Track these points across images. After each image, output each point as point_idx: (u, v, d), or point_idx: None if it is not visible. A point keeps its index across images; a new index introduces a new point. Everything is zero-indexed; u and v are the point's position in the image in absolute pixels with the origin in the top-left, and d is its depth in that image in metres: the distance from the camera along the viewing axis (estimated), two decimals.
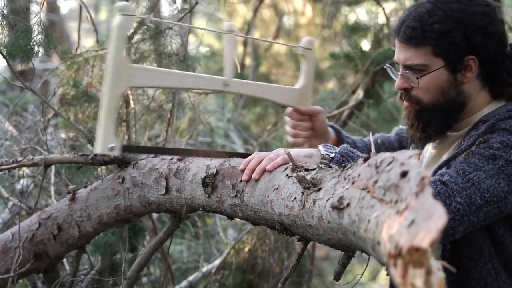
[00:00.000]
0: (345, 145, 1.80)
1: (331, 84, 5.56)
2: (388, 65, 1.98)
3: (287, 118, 2.13)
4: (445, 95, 1.82)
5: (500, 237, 1.77)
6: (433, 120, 1.84)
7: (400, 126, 2.28)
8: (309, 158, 1.78)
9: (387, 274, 1.33)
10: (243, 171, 1.79)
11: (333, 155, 1.77)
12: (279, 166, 1.74)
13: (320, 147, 1.81)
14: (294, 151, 1.76)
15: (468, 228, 1.66)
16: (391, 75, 1.95)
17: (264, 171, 1.75)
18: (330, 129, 2.16)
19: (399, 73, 1.86)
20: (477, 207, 1.64)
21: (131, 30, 2.22)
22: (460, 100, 1.83)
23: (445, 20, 1.78)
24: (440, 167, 1.74)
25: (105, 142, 1.76)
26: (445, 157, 1.85)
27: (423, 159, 1.96)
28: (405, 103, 1.89)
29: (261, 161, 1.77)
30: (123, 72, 1.78)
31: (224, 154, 1.97)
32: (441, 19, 1.78)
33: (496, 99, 1.86)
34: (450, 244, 1.79)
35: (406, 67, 1.83)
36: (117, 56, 1.77)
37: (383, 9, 4.10)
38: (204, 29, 2.00)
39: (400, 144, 2.18)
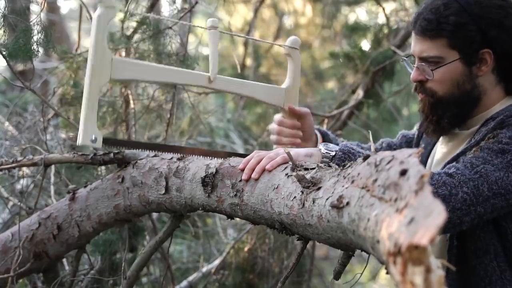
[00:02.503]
0: (345, 142, 1.80)
1: (331, 84, 5.56)
2: (404, 58, 1.98)
3: (274, 121, 2.09)
4: (460, 88, 1.82)
5: (508, 235, 1.76)
6: (447, 112, 1.84)
7: (404, 131, 2.28)
8: (309, 158, 1.78)
9: (387, 273, 1.33)
10: (242, 170, 1.79)
11: (334, 153, 1.77)
12: (278, 165, 1.74)
13: (320, 146, 1.81)
14: (294, 151, 1.76)
15: (475, 219, 1.65)
16: (407, 67, 1.95)
17: (263, 170, 1.75)
18: (317, 132, 2.14)
19: (415, 65, 1.86)
20: (484, 198, 1.64)
21: (111, 19, 2.23)
22: (475, 94, 1.83)
23: (460, 13, 1.78)
24: (449, 162, 1.74)
25: (87, 133, 1.78)
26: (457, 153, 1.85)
27: (434, 157, 1.96)
28: (420, 96, 1.89)
29: (260, 160, 1.76)
30: (105, 64, 1.79)
31: (196, 150, 1.98)
32: (457, 12, 1.78)
33: (510, 95, 1.86)
34: (457, 241, 1.79)
35: (422, 59, 1.83)
36: (98, 47, 1.78)
37: (383, 9, 4.10)
38: (188, 24, 1.99)
39: (408, 146, 2.17)
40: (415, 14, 1.86)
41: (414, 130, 2.20)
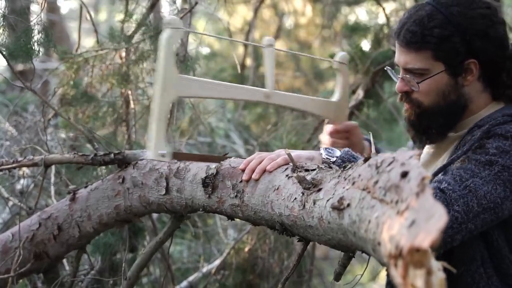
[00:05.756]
0: (347, 149, 1.79)
1: (331, 84, 5.56)
2: (388, 67, 1.98)
3: (325, 136, 2.14)
4: (446, 99, 1.81)
5: (494, 241, 1.76)
6: (433, 123, 1.84)
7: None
8: (310, 161, 1.78)
9: (388, 275, 1.33)
10: (243, 171, 1.79)
11: (334, 159, 1.77)
12: (279, 166, 1.74)
13: (322, 150, 1.81)
14: (295, 153, 1.75)
15: (465, 236, 1.65)
16: (392, 77, 1.94)
17: (264, 171, 1.75)
18: (366, 142, 2.16)
19: (400, 76, 1.86)
20: (474, 214, 1.63)
21: (179, 41, 2.30)
22: (461, 103, 1.82)
23: (445, 25, 1.76)
24: (436, 173, 1.73)
25: (157, 149, 1.86)
26: (443, 156, 1.85)
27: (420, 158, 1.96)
28: (406, 105, 1.88)
29: (261, 161, 1.76)
30: (173, 82, 1.87)
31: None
32: (441, 24, 1.76)
33: (496, 99, 1.86)
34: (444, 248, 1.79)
35: (407, 70, 1.82)
36: (166, 67, 1.86)
37: (383, 9, 4.10)
38: (245, 43, 2.04)
39: None
40: (398, 23, 1.84)
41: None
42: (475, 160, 1.68)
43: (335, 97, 2.16)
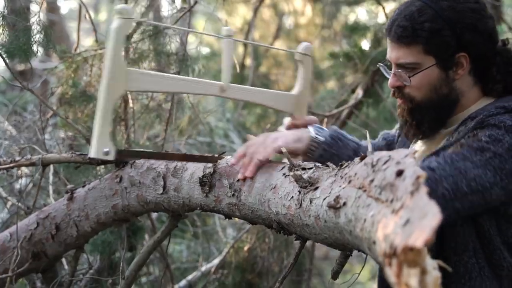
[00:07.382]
0: (335, 127, 1.81)
1: (330, 84, 5.55)
2: (381, 64, 1.99)
3: (283, 130, 2.09)
4: (438, 92, 1.83)
5: (486, 232, 1.77)
6: (426, 117, 1.86)
7: (386, 130, 2.28)
8: (298, 143, 1.82)
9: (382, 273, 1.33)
10: (233, 165, 1.81)
11: (323, 139, 1.79)
12: (269, 156, 1.78)
13: (310, 128, 1.82)
14: (282, 139, 1.78)
15: (451, 214, 1.65)
16: (384, 73, 1.96)
17: (258, 166, 1.77)
18: None
19: (392, 71, 1.87)
20: (462, 194, 1.63)
21: (129, 31, 2.24)
22: (452, 97, 1.84)
23: (435, 19, 1.79)
24: (428, 157, 1.74)
25: (100, 146, 1.76)
26: None
27: None
28: (399, 101, 1.90)
29: (252, 158, 1.79)
30: (121, 76, 1.78)
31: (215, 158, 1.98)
32: (431, 18, 1.79)
33: (486, 95, 1.87)
34: (436, 239, 1.78)
35: (398, 65, 1.84)
36: (114, 59, 1.77)
37: (383, 8, 4.10)
38: (202, 33, 2.01)
39: (388, 148, 2.17)
40: (389, 20, 1.87)
41: (394, 130, 2.21)
42: (467, 146, 1.69)
43: (294, 90, 2.10)
